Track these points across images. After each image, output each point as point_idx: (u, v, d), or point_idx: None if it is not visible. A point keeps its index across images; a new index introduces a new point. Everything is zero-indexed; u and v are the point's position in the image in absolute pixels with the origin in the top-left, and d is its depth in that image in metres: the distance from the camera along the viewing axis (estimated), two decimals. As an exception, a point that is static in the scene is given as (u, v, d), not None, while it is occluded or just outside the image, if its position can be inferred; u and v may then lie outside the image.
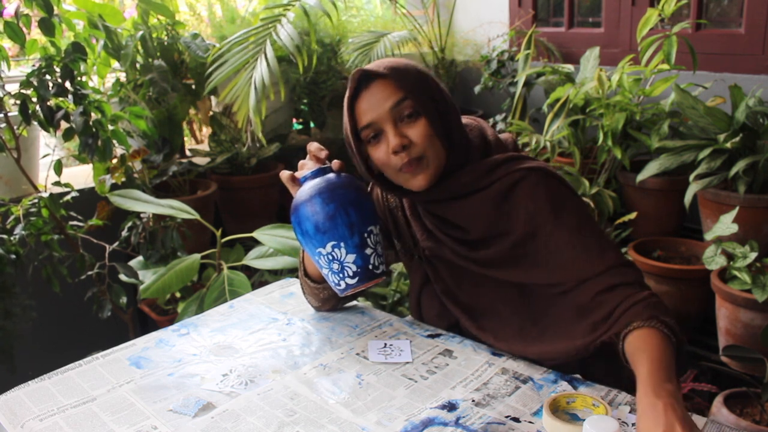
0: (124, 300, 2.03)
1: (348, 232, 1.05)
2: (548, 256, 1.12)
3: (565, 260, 1.11)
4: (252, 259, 1.91)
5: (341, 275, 1.05)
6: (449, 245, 1.18)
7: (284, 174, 1.18)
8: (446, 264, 1.21)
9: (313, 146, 1.18)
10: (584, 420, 0.83)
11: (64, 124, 1.95)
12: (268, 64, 2.17)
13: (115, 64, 2.35)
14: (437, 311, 1.26)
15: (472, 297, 1.21)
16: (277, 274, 2.12)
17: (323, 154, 1.17)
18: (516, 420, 0.95)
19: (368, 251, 1.05)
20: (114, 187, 2.15)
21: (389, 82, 1.10)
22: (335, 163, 1.15)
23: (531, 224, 1.12)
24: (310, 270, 1.28)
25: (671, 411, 0.83)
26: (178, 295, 2.32)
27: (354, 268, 1.05)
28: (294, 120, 3.04)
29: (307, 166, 1.16)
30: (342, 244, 1.04)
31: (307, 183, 1.10)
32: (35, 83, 1.88)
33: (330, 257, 1.04)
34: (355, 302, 1.37)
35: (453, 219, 1.17)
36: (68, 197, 1.98)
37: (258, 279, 2.16)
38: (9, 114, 2.03)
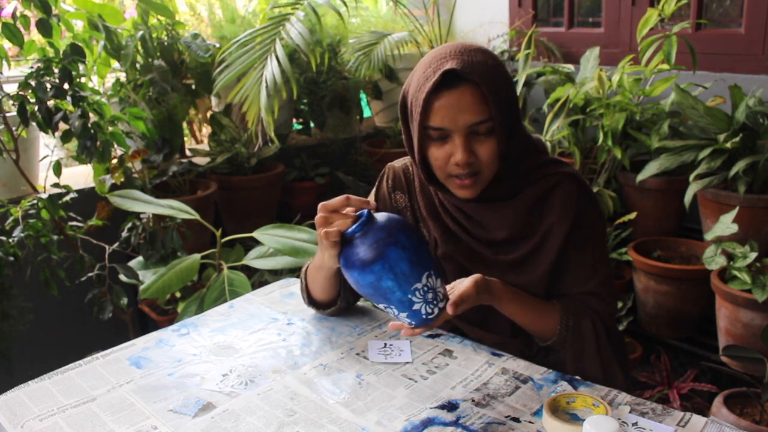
0: (124, 301, 2.03)
1: (432, 259, 0.98)
2: (552, 258, 1.14)
3: (561, 271, 1.16)
4: (252, 259, 1.91)
5: (434, 301, 0.98)
6: (469, 246, 1.18)
7: (332, 231, 0.99)
8: (456, 267, 1.21)
9: (352, 202, 1.02)
10: (584, 420, 0.83)
11: (63, 125, 1.95)
12: (279, 63, 2.17)
13: (115, 64, 2.34)
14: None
15: (473, 311, 1.19)
16: (277, 274, 2.12)
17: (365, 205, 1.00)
18: (516, 420, 0.95)
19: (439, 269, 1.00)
20: (114, 187, 2.15)
21: (478, 93, 1.02)
22: (371, 204, 1.01)
23: (552, 229, 1.13)
24: (316, 296, 1.26)
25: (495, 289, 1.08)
26: (178, 295, 2.32)
27: (442, 290, 0.99)
28: (294, 120, 3.04)
29: (337, 219, 1.00)
30: (432, 272, 0.97)
31: (373, 228, 0.96)
32: (33, 85, 1.88)
33: (425, 288, 0.96)
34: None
35: (483, 220, 1.16)
36: (67, 198, 1.98)
37: (258, 279, 2.16)
38: (8, 114, 2.03)
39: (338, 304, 1.26)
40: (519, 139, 1.12)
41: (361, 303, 1.37)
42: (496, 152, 1.07)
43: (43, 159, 2.25)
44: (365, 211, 0.98)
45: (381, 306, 1.00)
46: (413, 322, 1.00)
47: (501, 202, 1.14)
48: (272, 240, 1.80)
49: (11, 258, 1.83)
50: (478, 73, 1.02)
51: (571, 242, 1.14)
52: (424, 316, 0.98)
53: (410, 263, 0.95)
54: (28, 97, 1.90)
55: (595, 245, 1.17)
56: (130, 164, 2.26)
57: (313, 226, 1.95)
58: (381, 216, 0.99)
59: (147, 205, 1.90)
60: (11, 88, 1.95)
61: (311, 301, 1.28)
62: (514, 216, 1.14)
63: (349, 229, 0.98)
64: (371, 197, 1.31)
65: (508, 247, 1.16)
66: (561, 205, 1.13)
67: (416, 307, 0.97)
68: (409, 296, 0.96)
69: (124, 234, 2.09)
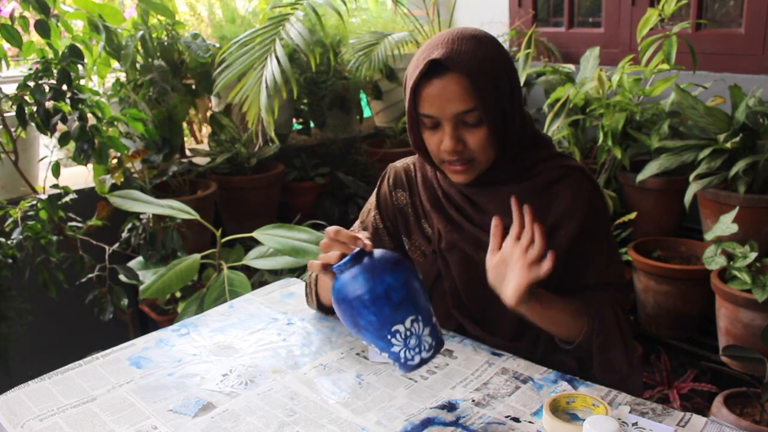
0: (125, 302, 2.03)
1: (422, 305, 0.96)
2: (565, 255, 1.13)
3: (577, 264, 1.15)
4: (252, 259, 1.91)
5: (416, 350, 0.95)
6: (474, 235, 1.17)
7: (314, 263, 1.02)
8: (461, 259, 1.19)
9: (343, 235, 1.00)
10: (584, 420, 0.83)
11: (61, 126, 1.95)
12: (279, 63, 2.18)
13: (115, 64, 2.34)
14: (445, 311, 1.24)
15: (477, 299, 1.20)
16: (277, 274, 2.12)
17: (361, 240, 0.98)
18: (516, 420, 0.95)
19: (434, 320, 0.97)
20: (114, 187, 2.15)
21: (464, 83, 1.03)
22: (368, 245, 0.98)
23: (562, 221, 1.13)
24: (326, 302, 1.25)
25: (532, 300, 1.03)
26: (178, 295, 2.32)
27: (429, 341, 0.96)
28: (294, 120, 3.04)
29: (332, 252, 1.00)
30: (420, 318, 0.95)
31: (360, 267, 0.96)
32: (32, 86, 1.87)
33: (408, 333, 0.94)
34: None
35: (487, 205, 1.16)
36: (66, 199, 1.98)
37: (258, 279, 2.16)
38: (6, 115, 2.03)
39: None
40: (518, 127, 1.11)
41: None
42: (487, 141, 1.08)
43: (42, 160, 2.25)
44: (357, 249, 0.97)
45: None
46: (399, 366, 0.97)
47: (503, 185, 1.14)
48: (272, 240, 1.80)
49: (10, 260, 1.83)
50: (463, 63, 1.02)
51: (586, 235, 1.14)
52: (406, 359, 0.96)
53: (395, 301, 0.93)
54: (27, 98, 1.90)
55: (608, 236, 1.19)
56: (129, 164, 2.26)
57: (312, 226, 1.95)
58: (376, 254, 0.97)
59: (147, 206, 1.90)
60: (10, 89, 1.95)
61: (320, 306, 1.28)
62: (518, 199, 1.13)
63: (335, 265, 0.97)
64: (372, 197, 1.32)
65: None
66: (570, 198, 1.13)
67: (395, 349, 0.95)
68: (387, 335, 0.94)
69: (124, 234, 2.09)
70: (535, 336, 1.19)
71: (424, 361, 0.96)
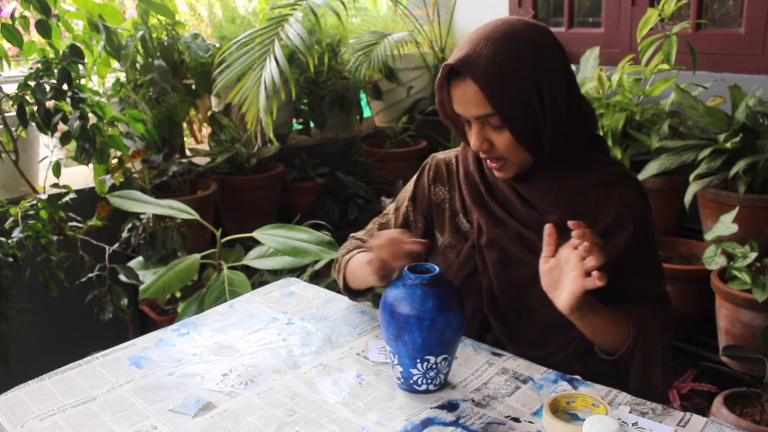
0: (125, 302, 2.03)
1: (456, 349, 1.04)
2: (612, 264, 1.09)
3: (623, 274, 1.12)
4: (252, 259, 1.91)
5: (429, 381, 1.02)
6: (516, 230, 1.15)
7: (376, 262, 1.05)
8: (500, 256, 1.17)
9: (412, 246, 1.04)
10: (584, 420, 0.83)
11: (62, 126, 1.95)
12: (277, 64, 2.17)
13: (115, 64, 2.34)
14: (473, 309, 1.21)
15: (512, 299, 1.18)
16: (277, 274, 2.12)
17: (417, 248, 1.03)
18: (516, 420, 0.95)
19: (453, 365, 1.05)
20: (114, 187, 2.15)
21: (479, 89, 1.03)
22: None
23: (611, 229, 1.11)
24: (353, 285, 1.26)
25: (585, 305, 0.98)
26: (178, 295, 2.32)
27: (442, 378, 1.03)
28: (294, 120, 3.04)
29: (399, 253, 1.04)
30: (449, 359, 1.02)
31: (434, 291, 0.99)
32: (32, 86, 1.88)
33: (434, 365, 1.00)
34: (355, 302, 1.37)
35: (535, 200, 1.14)
36: (67, 198, 1.98)
37: (258, 279, 2.16)
38: (7, 115, 2.03)
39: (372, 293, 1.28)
40: (560, 127, 1.08)
41: (361, 304, 1.37)
42: (513, 143, 1.07)
43: (42, 159, 2.25)
44: (437, 270, 1.01)
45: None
46: (402, 382, 1.04)
47: (555, 180, 1.13)
48: (272, 240, 1.80)
49: (10, 259, 1.83)
50: (476, 70, 1.02)
51: (635, 246, 1.12)
52: (414, 383, 1.02)
53: (441, 336, 0.98)
54: (27, 98, 1.90)
55: (655, 249, 1.17)
56: (130, 164, 2.26)
57: (312, 226, 1.95)
58: (450, 287, 1.01)
59: (147, 206, 1.90)
60: (11, 89, 1.95)
61: (345, 287, 1.29)
62: (567, 197, 1.12)
63: (413, 275, 1.00)
64: (410, 186, 1.31)
65: (559, 233, 1.08)
66: (621, 205, 1.11)
67: (413, 371, 1.01)
68: (418, 356, 0.99)
69: (124, 234, 2.09)
70: (559, 346, 1.17)
71: (426, 392, 1.03)
